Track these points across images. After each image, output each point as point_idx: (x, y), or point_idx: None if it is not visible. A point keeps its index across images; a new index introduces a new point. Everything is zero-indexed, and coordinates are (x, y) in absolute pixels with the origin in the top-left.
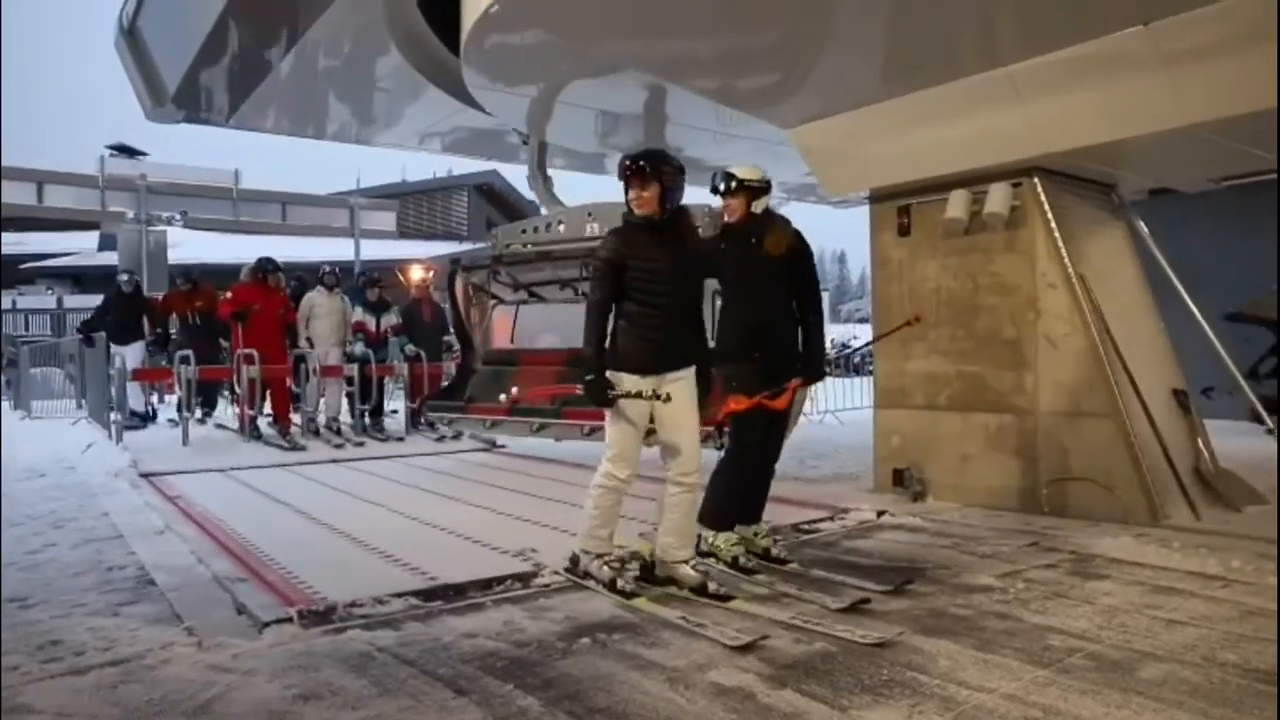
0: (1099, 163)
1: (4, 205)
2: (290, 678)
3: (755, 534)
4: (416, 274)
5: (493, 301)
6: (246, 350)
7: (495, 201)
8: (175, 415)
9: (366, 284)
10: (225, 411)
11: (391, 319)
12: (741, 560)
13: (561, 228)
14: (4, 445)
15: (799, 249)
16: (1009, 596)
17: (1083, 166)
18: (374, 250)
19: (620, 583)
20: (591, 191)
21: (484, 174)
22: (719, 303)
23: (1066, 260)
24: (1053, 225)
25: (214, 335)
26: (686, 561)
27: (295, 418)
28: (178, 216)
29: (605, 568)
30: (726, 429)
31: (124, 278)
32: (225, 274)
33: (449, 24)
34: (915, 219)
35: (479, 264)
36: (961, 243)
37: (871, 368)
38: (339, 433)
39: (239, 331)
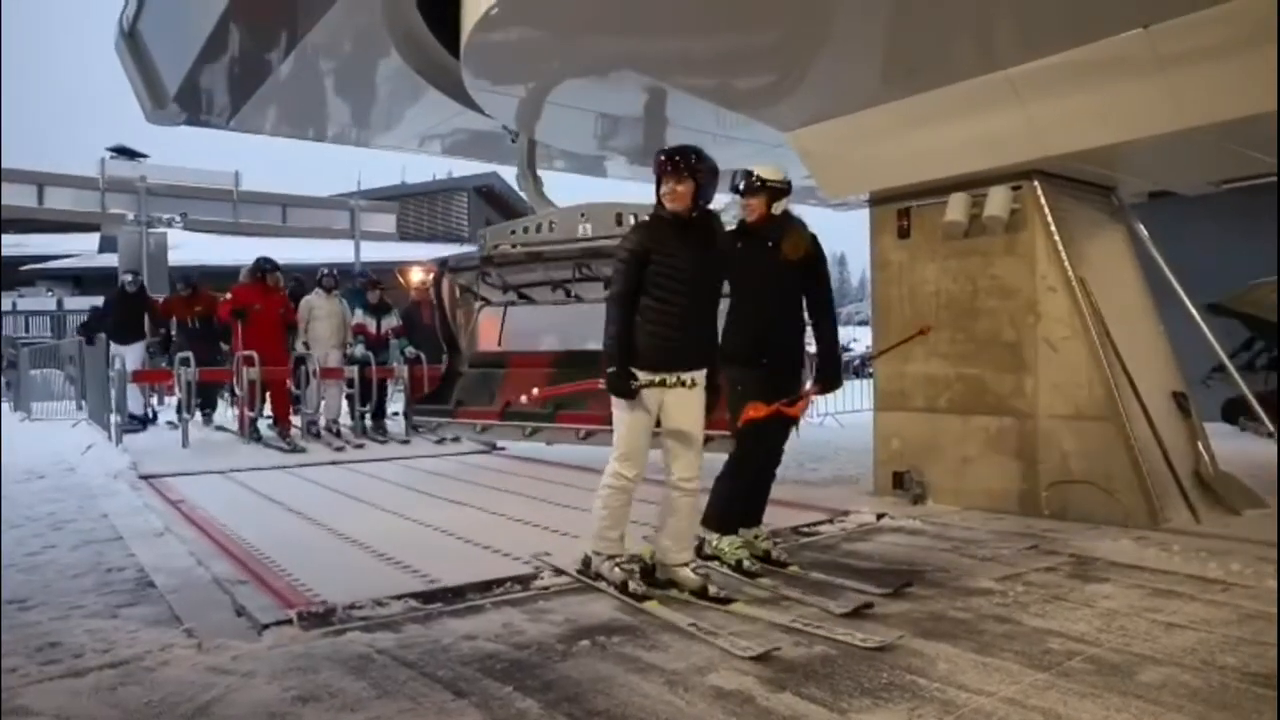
0: (1099, 166)
1: (4, 207)
2: (289, 680)
3: (755, 536)
4: (416, 276)
5: (479, 303)
6: (246, 352)
7: (495, 204)
8: (174, 418)
9: (367, 286)
10: (225, 414)
11: (392, 321)
12: (745, 564)
13: (553, 228)
14: (4, 447)
15: (815, 254)
16: (1009, 599)
17: (1082, 169)
18: (374, 252)
19: (632, 585)
20: (582, 192)
21: (484, 176)
22: (723, 304)
23: (1066, 263)
24: (1052, 228)
25: (213, 339)
26: (686, 564)
27: (295, 420)
28: (178, 218)
29: (617, 569)
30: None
31: (128, 278)
32: (225, 275)
33: (449, 26)
34: (915, 222)
35: (467, 265)
36: (961, 245)
37: (871, 370)
38: (339, 435)
39: (239, 332)
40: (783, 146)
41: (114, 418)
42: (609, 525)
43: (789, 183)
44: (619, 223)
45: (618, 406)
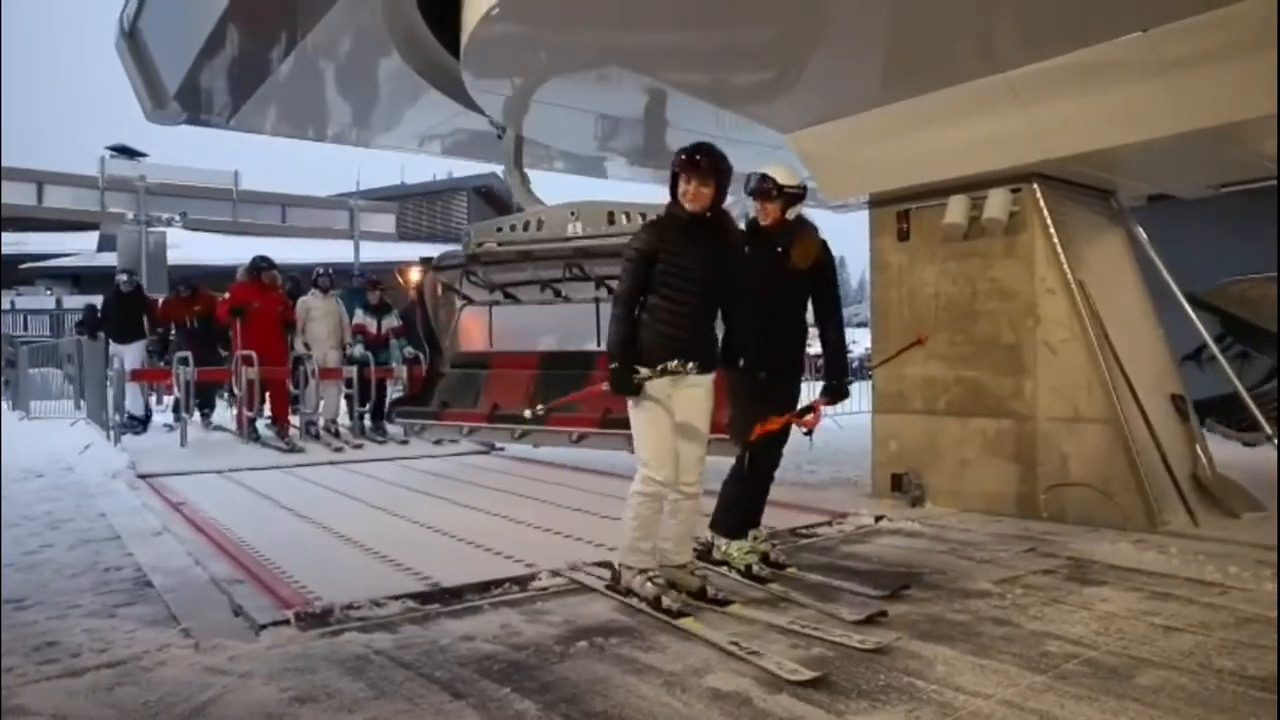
0: (1098, 169)
1: (4, 206)
2: (287, 680)
3: (754, 538)
4: (416, 276)
5: (462, 302)
6: (244, 352)
7: (495, 204)
8: (171, 419)
9: (367, 286)
10: (225, 414)
11: (392, 321)
12: (755, 569)
13: (541, 226)
14: (3, 446)
15: (825, 260)
16: (1006, 602)
17: (1082, 172)
18: (373, 252)
19: (666, 601)
20: (570, 192)
21: (483, 176)
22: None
23: (1065, 266)
24: (1052, 231)
25: (213, 340)
26: (684, 566)
27: (294, 420)
28: (177, 218)
29: (649, 584)
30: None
31: (123, 278)
32: (224, 275)
33: (449, 26)
34: (914, 224)
35: (452, 263)
36: (960, 248)
37: (870, 373)
38: (337, 435)
39: (239, 330)
40: (783, 148)
41: (113, 417)
42: (640, 537)
43: (805, 187)
44: (611, 221)
45: (633, 411)
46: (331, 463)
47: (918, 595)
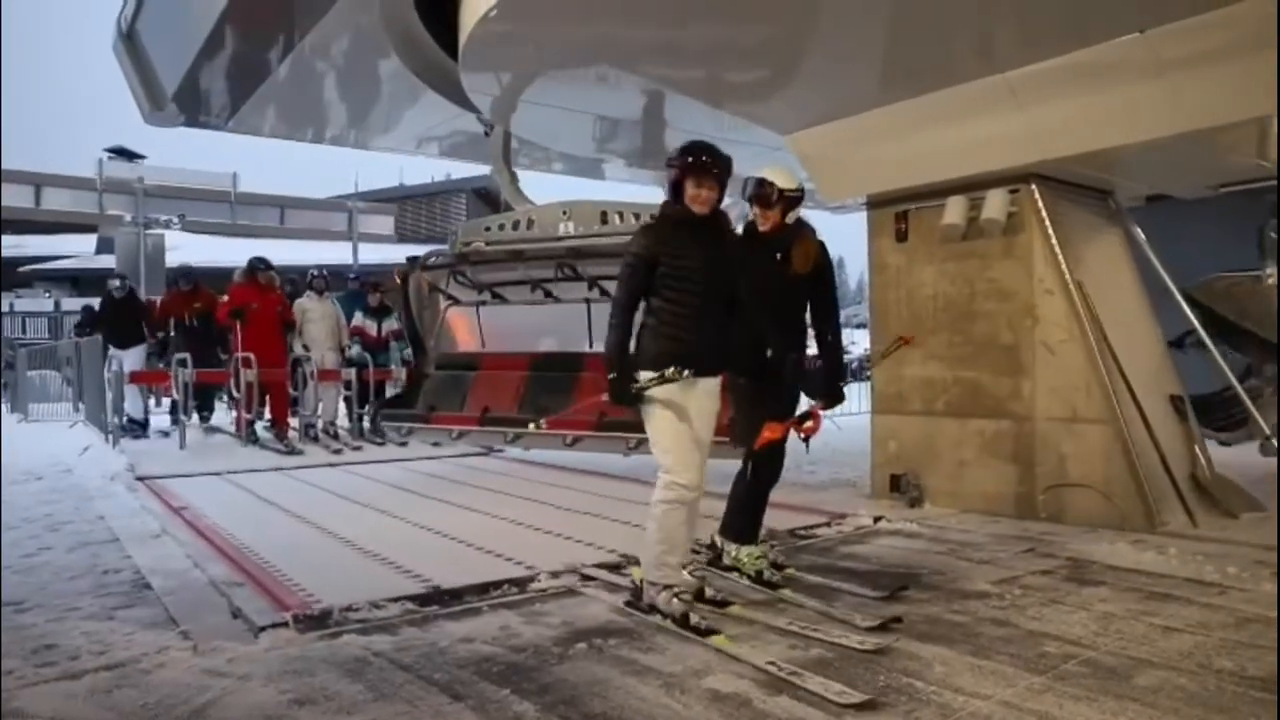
0: (1096, 169)
1: (3, 208)
2: (285, 682)
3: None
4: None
5: (447, 302)
6: (243, 354)
7: (493, 205)
8: (167, 426)
9: (365, 288)
10: (222, 417)
11: (392, 324)
12: (765, 574)
13: (532, 226)
14: (2, 448)
15: (823, 264)
16: (1005, 603)
17: (1080, 173)
18: (372, 254)
19: (694, 618)
20: (558, 192)
21: (482, 178)
22: None
23: (1064, 266)
24: (1050, 231)
25: (212, 341)
26: (683, 566)
27: (293, 421)
28: (175, 220)
29: (675, 600)
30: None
31: (115, 283)
32: (222, 277)
33: (447, 28)
34: (913, 225)
35: (439, 262)
36: (959, 248)
37: (869, 374)
38: (336, 437)
39: (238, 332)
40: (781, 150)
41: (111, 419)
42: (666, 550)
43: (804, 189)
44: (604, 221)
45: (647, 417)
46: (330, 465)
47: (916, 596)
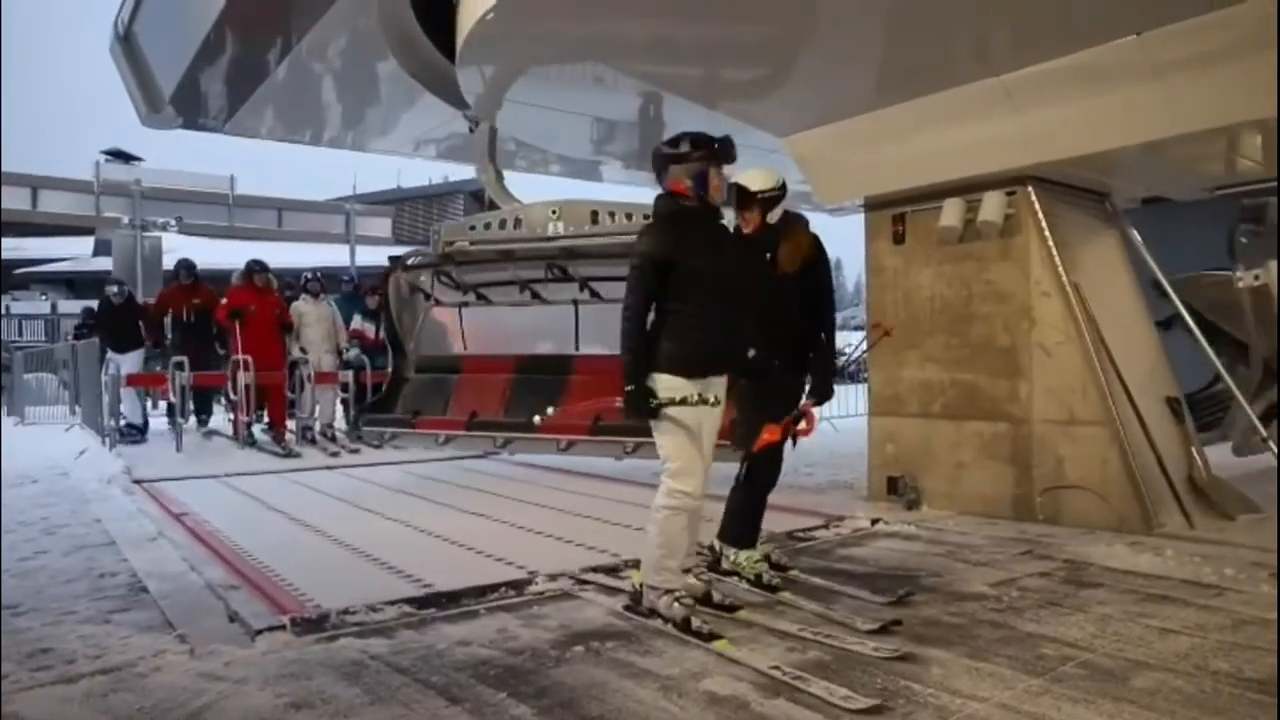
0: (1092, 171)
1: (1, 210)
2: (282, 686)
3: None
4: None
5: (429, 303)
6: (240, 357)
7: (491, 208)
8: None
9: (360, 291)
10: (218, 420)
11: None
12: (765, 577)
13: (519, 225)
14: (3, 451)
15: (814, 259)
16: (1003, 605)
17: (1076, 175)
18: (370, 256)
19: (695, 623)
20: (543, 191)
21: (479, 180)
22: None
23: (1060, 268)
24: (1047, 234)
25: (210, 338)
26: (689, 571)
27: (290, 424)
28: (173, 222)
29: (676, 605)
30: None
31: (113, 289)
32: (220, 279)
33: (444, 30)
34: (910, 227)
35: (423, 262)
36: (956, 251)
37: (866, 375)
38: (334, 439)
39: (237, 333)
40: (778, 152)
41: (108, 422)
42: (666, 554)
43: (781, 186)
44: (594, 220)
45: (656, 424)
46: (327, 467)
47: (914, 598)
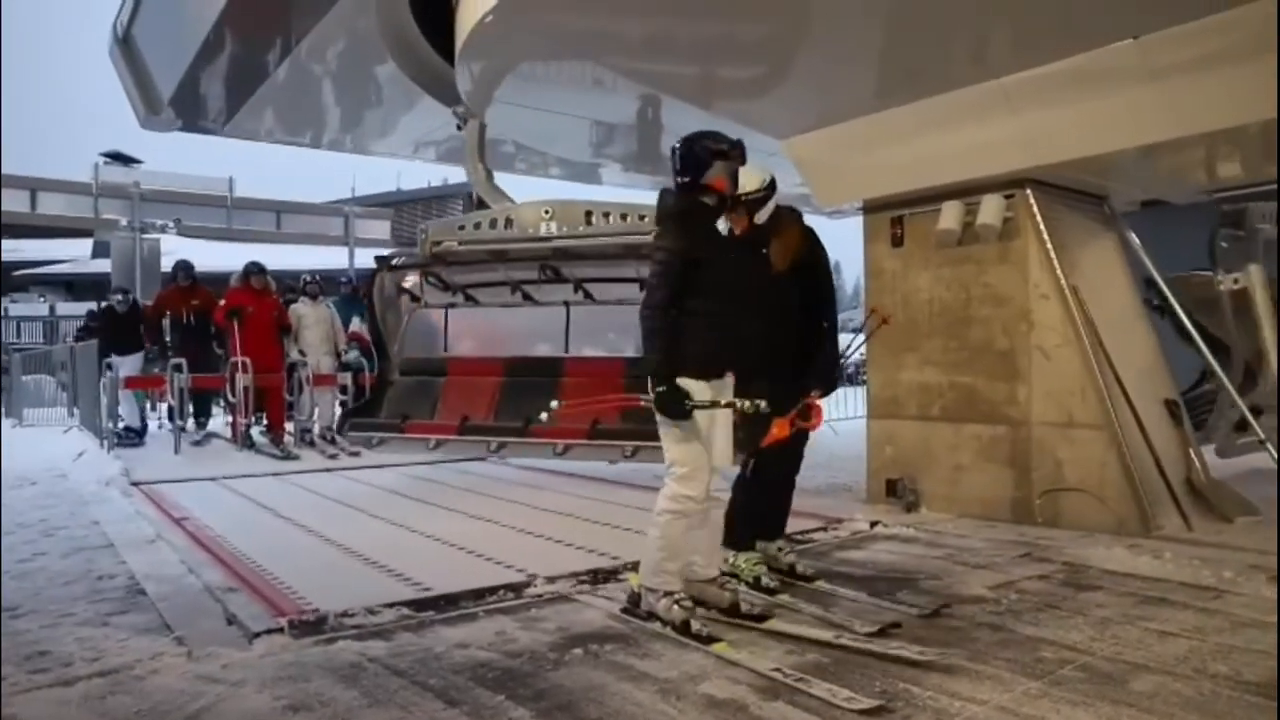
0: (1091, 174)
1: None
2: (280, 688)
3: (779, 550)
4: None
5: (414, 305)
6: (238, 359)
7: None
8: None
9: (361, 293)
10: (216, 422)
11: None
12: (764, 580)
13: (510, 225)
14: (2, 453)
15: (807, 256)
16: (1001, 608)
17: (1075, 178)
18: (369, 259)
19: (695, 625)
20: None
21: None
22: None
23: (1059, 271)
24: (1045, 237)
25: (208, 338)
26: (714, 580)
27: (288, 426)
28: (171, 224)
29: (676, 608)
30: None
31: (118, 298)
32: (218, 281)
33: (443, 33)
34: (908, 230)
35: (411, 263)
36: (954, 254)
37: (865, 378)
38: (332, 442)
39: (235, 335)
40: (777, 154)
41: (106, 424)
42: (666, 558)
43: (768, 186)
44: (588, 221)
45: (667, 426)
46: (326, 470)
47: (912, 601)
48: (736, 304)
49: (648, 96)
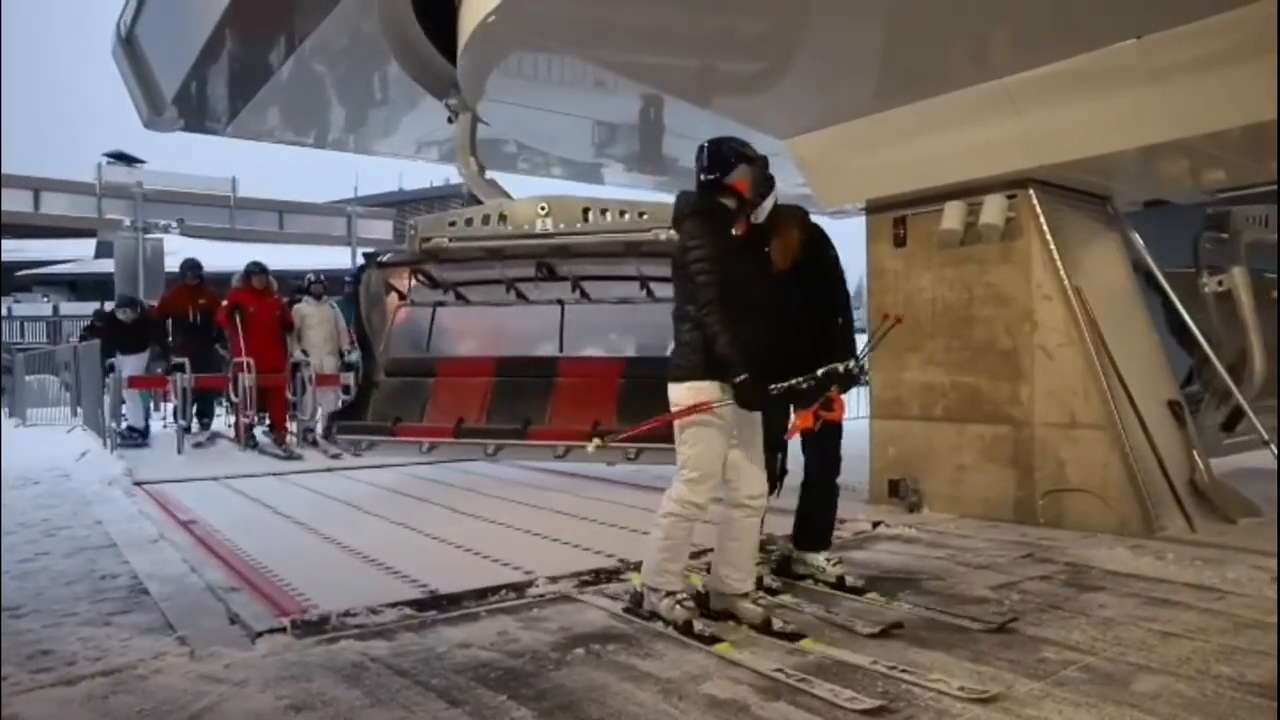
0: (1094, 175)
1: (2, 212)
2: (282, 688)
3: (827, 560)
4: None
5: (400, 303)
6: (241, 359)
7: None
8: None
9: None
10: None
11: None
12: (766, 580)
13: (504, 221)
14: (1, 453)
15: (809, 253)
16: (1004, 608)
17: (1077, 178)
18: None
19: (698, 626)
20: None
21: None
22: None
23: (1062, 271)
24: (1048, 237)
25: (212, 340)
26: (747, 595)
27: (291, 426)
28: (174, 224)
29: (678, 608)
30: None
31: (126, 311)
32: (222, 282)
33: (446, 33)
34: (911, 230)
35: (401, 259)
36: (957, 254)
37: (868, 378)
38: (335, 442)
39: (239, 334)
40: (779, 155)
41: (109, 424)
42: (669, 559)
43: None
44: (585, 218)
45: (693, 423)
46: (328, 469)
47: (913, 600)
48: (748, 306)
49: (650, 96)
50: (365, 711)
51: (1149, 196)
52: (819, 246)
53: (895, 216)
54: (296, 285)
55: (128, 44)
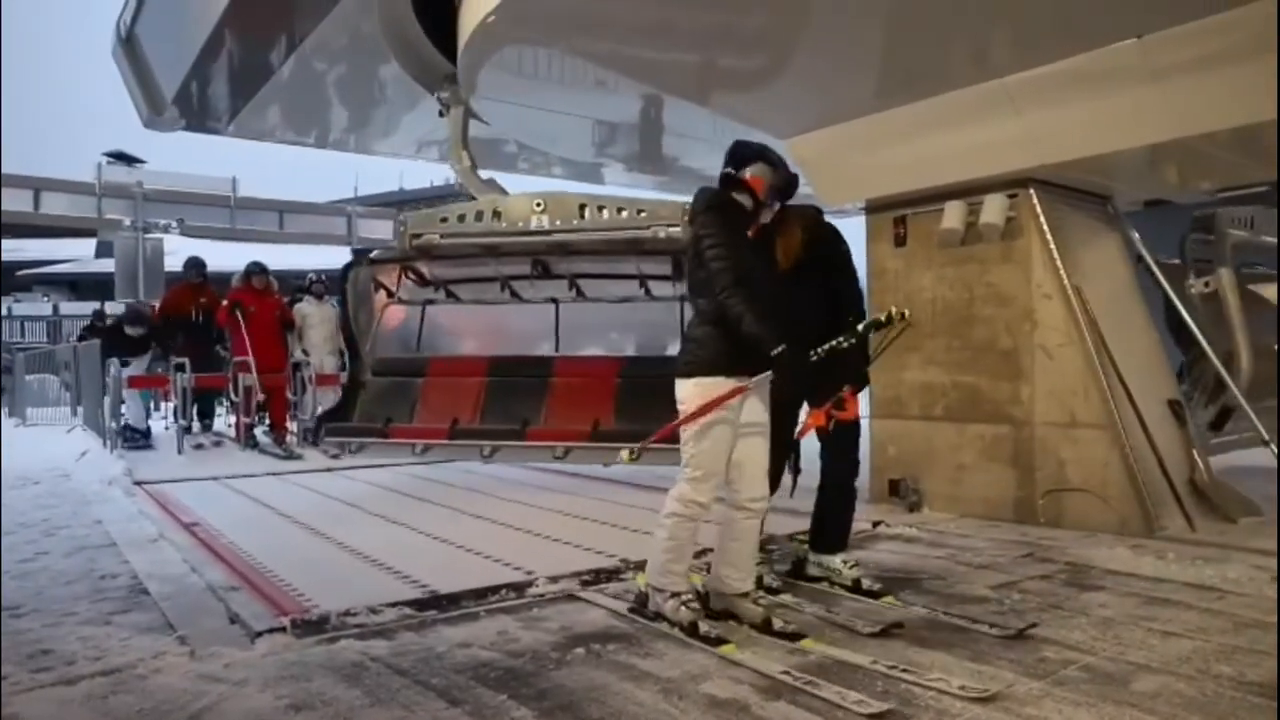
0: (1094, 174)
1: (1, 212)
2: (282, 688)
3: (844, 563)
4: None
5: (388, 301)
6: (241, 359)
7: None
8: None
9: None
10: (219, 423)
11: None
12: (766, 580)
13: (498, 217)
14: (1, 453)
15: (812, 253)
16: (1004, 607)
17: (1078, 178)
18: None
19: (703, 627)
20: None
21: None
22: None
23: (1062, 271)
24: (1048, 236)
25: (213, 339)
26: (747, 595)
27: (291, 426)
28: (174, 224)
29: (683, 609)
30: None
31: (135, 329)
32: (221, 282)
33: (446, 32)
34: (911, 229)
35: (391, 257)
36: (957, 253)
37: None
38: (319, 443)
39: (240, 334)
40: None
41: (109, 423)
42: (673, 559)
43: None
44: (582, 215)
45: (697, 423)
46: (328, 469)
47: (914, 600)
48: (762, 297)
49: (650, 96)
50: (365, 711)
51: (1149, 196)
52: (829, 244)
53: (895, 216)
54: (297, 285)
55: (128, 44)
